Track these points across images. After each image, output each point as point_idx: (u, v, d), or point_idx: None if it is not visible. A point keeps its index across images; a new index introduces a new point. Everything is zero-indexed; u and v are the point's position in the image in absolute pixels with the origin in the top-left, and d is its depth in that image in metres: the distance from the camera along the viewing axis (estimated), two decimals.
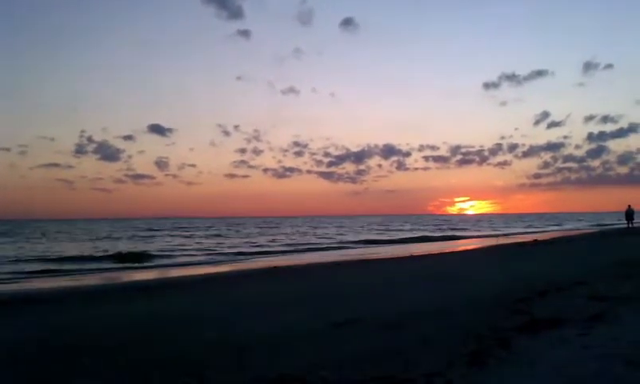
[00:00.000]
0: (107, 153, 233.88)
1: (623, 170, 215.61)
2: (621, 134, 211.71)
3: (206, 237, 62.67)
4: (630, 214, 46.03)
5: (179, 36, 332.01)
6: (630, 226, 46.17)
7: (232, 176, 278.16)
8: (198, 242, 51.33)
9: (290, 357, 6.42)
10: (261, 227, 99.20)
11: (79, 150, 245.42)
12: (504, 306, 8.92)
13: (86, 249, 41.46)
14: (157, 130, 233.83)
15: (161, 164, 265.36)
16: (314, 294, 12.65)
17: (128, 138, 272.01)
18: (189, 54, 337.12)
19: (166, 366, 6.33)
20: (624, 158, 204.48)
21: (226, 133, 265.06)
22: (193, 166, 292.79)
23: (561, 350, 6.08)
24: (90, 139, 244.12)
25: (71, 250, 40.57)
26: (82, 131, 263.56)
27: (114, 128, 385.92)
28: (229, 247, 43.67)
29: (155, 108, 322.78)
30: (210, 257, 34.29)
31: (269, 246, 44.51)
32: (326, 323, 8.18)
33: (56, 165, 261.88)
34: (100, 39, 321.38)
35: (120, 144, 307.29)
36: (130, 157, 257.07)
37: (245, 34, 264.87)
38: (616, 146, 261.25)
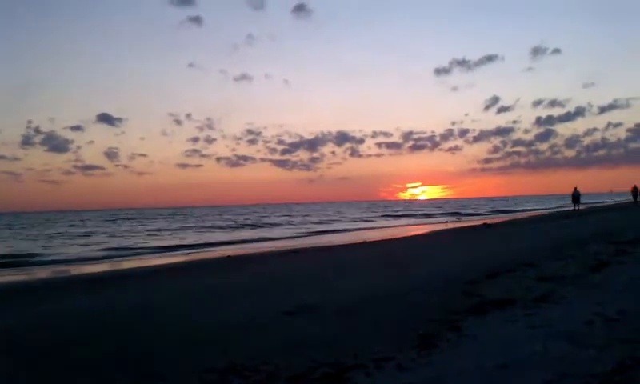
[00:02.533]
0: (55, 144, 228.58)
1: (570, 153, 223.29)
2: (568, 117, 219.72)
3: (157, 229, 60.80)
4: (576, 197, 47.39)
5: (129, 23, 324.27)
6: (577, 208, 47.57)
7: (184, 165, 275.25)
8: (145, 234, 50.02)
9: (241, 346, 6.32)
10: (212, 216, 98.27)
11: (26, 142, 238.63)
12: (455, 289, 9.02)
13: None
14: (106, 119, 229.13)
15: (111, 154, 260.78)
16: (266, 282, 12.53)
17: (76, 128, 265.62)
18: (139, 42, 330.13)
19: (113, 361, 6.14)
20: (571, 142, 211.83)
21: (178, 121, 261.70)
22: (144, 155, 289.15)
23: (509, 330, 6.17)
24: (37, 130, 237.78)
25: None
26: (29, 122, 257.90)
27: (61, 118, 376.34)
28: (179, 238, 42.89)
29: (104, 97, 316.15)
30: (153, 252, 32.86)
31: (222, 236, 43.91)
32: (278, 311, 8.10)
33: (1, 157, 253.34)
34: (46, 27, 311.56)
35: (68, 135, 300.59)
36: (78, 147, 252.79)
37: (196, 20, 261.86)
38: (563, 129, 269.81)
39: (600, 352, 5.00)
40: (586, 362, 4.75)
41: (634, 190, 51.80)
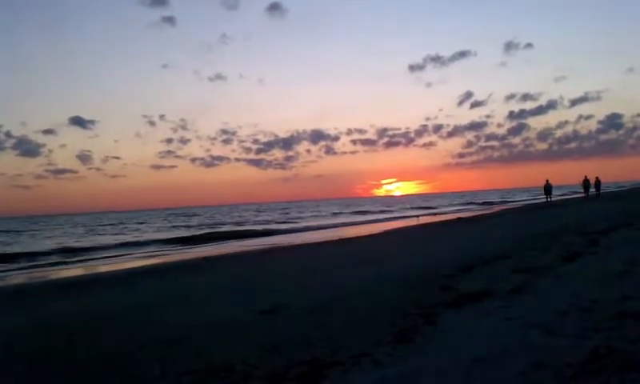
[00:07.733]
0: (27, 148, 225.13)
1: (543, 146, 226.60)
2: (540, 111, 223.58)
3: (128, 230, 59.02)
4: (548, 189, 48.00)
5: (101, 24, 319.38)
6: (549, 199, 48.22)
7: (158, 167, 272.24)
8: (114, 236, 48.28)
9: (217, 347, 6.25)
10: (188, 216, 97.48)
11: None
12: (430, 284, 9.05)
13: None
14: (78, 122, 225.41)
15: (83, 157, 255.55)
16: (241, 282, 12.46)
17: (48, 131, 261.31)
18: (111, 43, 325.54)
19: (88, 365, 6.03)
20: (543, 135, 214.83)
21: (152, 123, 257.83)
22: (117, 158, 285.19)
23: (484, 322, 6.20)
24: (8, 134, 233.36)
25: None
26: (0, 126, 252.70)
27: (33, 122, 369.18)
28: (155, 239, 42.17)
29: (77, 100, 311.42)
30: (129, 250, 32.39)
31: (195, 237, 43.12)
32: (254, 311, 8.04)
33: None
34: (16, 29, 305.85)
35: (40, 138, 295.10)
36: (50, 151, 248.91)
37: (170, 20, 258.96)
38: (536, 123, 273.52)
39: (574, 341, 5.04)
40: (561, 351, 4.78)
41: (585, 181, 47.47)
